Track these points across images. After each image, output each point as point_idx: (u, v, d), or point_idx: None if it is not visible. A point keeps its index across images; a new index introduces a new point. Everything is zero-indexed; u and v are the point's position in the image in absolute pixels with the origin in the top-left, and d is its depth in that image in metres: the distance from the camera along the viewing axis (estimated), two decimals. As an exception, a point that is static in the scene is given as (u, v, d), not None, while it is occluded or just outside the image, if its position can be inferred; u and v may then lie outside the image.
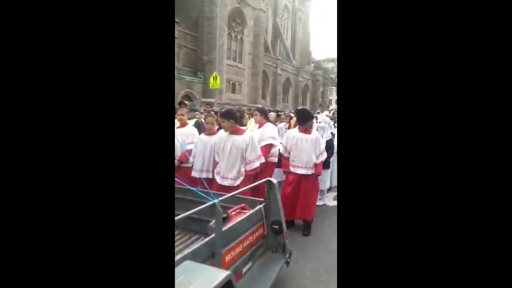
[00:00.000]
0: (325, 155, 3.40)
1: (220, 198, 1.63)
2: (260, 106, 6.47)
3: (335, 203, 4.42)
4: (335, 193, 4.85)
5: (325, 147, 3.77)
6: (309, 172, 3.25)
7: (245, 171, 2.84)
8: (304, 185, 3.26)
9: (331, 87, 38.22)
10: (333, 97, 43.84)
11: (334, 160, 4.78)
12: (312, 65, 37.13)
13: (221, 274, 1.17)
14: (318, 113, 7.33)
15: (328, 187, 4.63)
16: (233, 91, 21.76)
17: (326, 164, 4.01)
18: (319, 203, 4.17)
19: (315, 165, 3.28)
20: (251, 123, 4.52)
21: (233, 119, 2.87)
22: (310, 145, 3.26)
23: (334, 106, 39.90)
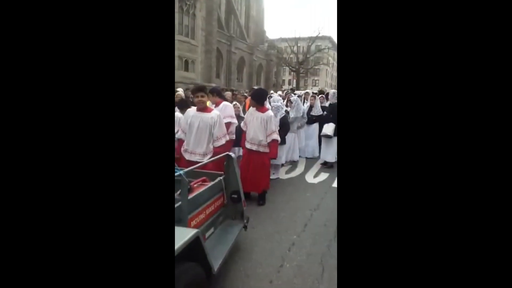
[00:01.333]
0: (274, 136, 3.48)
1: (185, 170, 1.79)
2: (214, 85, 6.50)
3: (287, 176, 4.83)
4: (287, 167, 5.26)
5: (280, 124, 4.06)
6: (254, 148, 3.51)
7: (213, 147, 3.00)
8: (253, 160, 3.54)
9: (284, 67, 38.91)
10: (286, 77, 44.79)
11: (289, 136, 5.15)
12: (266, 44, 37.15)
13: (191, 231, 1.37)
14: (273, 93, 7.63)
15: (283, 162, 4.96)
16: (186, 69, 21.00)
17: (281, 141, 4.32)
18: (273, 176, 4.54)
19: (268, 145, 3.47)
20: (208, 103, 4.61)
21: (206, 94, 3.05)
22: (259, 123, 3.48)
23: (287, 86, 40.79)
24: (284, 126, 4.22)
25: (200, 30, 21.76)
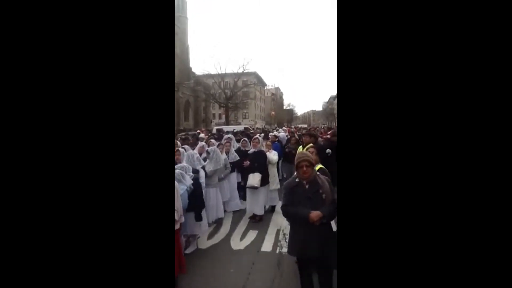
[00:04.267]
0: None
1: None
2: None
3: (209, 242, 4.06)
4: (211, 228, 4.50)
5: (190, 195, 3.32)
6: None
7: None
8: None
9: (213, 102, 38.89)
10: (216, 111, 44.91)
11: (210, 192, 4.44)
12: (192, 81, 36.98)
13: None
14: (199, 133, 6.96)
15: (205, 228, 4.11)
16: (102, 110, 19.02)
17: (197, 216, 3.60)
18: (189, 250, 3.71)
19: None
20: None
21: None
22: None
23: (217, 120, 40.84)
24: (197, 197, 3.46)
25: (117, 68, 20.38)
